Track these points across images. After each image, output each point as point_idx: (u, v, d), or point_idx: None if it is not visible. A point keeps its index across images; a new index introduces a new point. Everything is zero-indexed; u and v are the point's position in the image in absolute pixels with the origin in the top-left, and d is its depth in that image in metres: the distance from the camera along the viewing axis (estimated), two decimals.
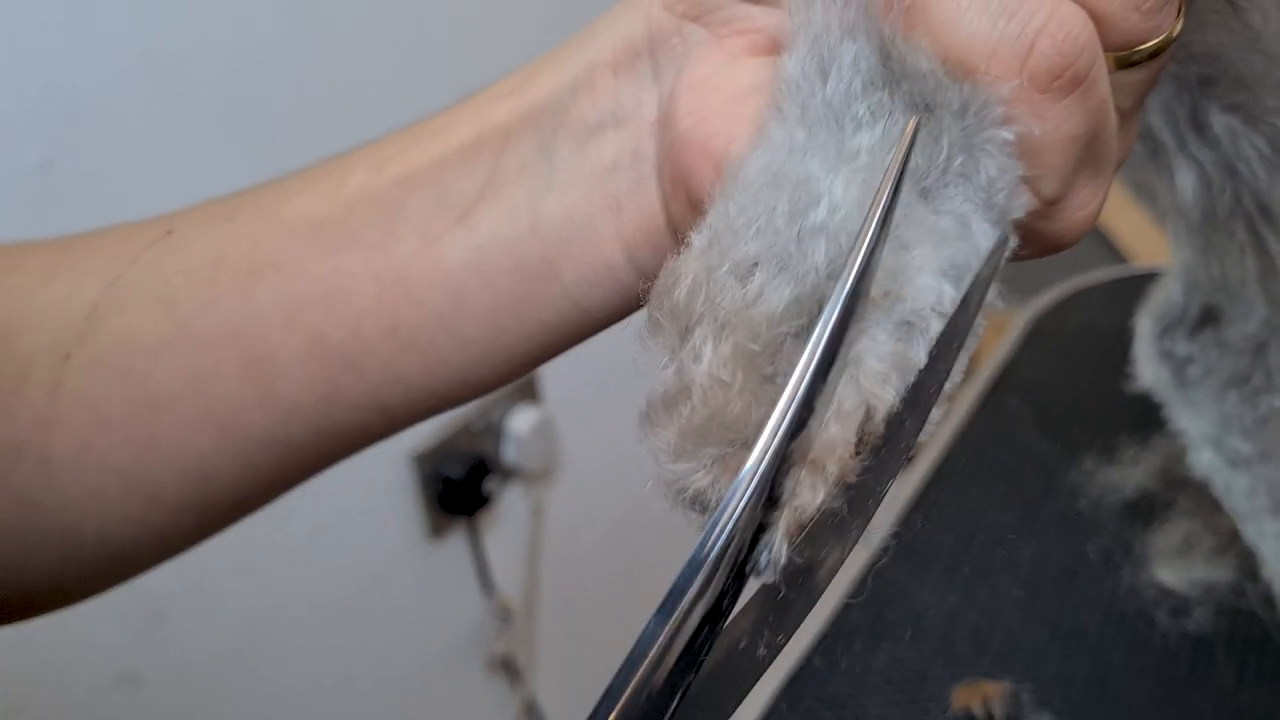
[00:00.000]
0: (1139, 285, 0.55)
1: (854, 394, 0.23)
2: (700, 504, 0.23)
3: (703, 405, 0.23)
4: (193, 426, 0.32)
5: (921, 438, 0.24)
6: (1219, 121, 0.39)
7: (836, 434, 0.23)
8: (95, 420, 0.32)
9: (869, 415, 0.23)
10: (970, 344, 0.25)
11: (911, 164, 0.24)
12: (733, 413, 0.23)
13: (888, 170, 0.23)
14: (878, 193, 0.22)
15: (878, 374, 0.23)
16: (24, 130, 0.74)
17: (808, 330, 0.22)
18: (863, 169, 0.24)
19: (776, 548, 0.22)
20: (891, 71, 0.25)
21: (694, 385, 0.23)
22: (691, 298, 0.24)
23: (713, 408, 0.23)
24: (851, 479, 0.23)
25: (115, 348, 0.32)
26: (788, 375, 0.21)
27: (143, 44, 0.79)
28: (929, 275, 0.24)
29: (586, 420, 1.23)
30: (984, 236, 0.25)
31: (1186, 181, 0.40)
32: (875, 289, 0.23)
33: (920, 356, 0.24)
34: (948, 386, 0.24)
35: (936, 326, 0.24)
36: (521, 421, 1.15)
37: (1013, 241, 0.26)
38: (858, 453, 0.23)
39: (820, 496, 0.22)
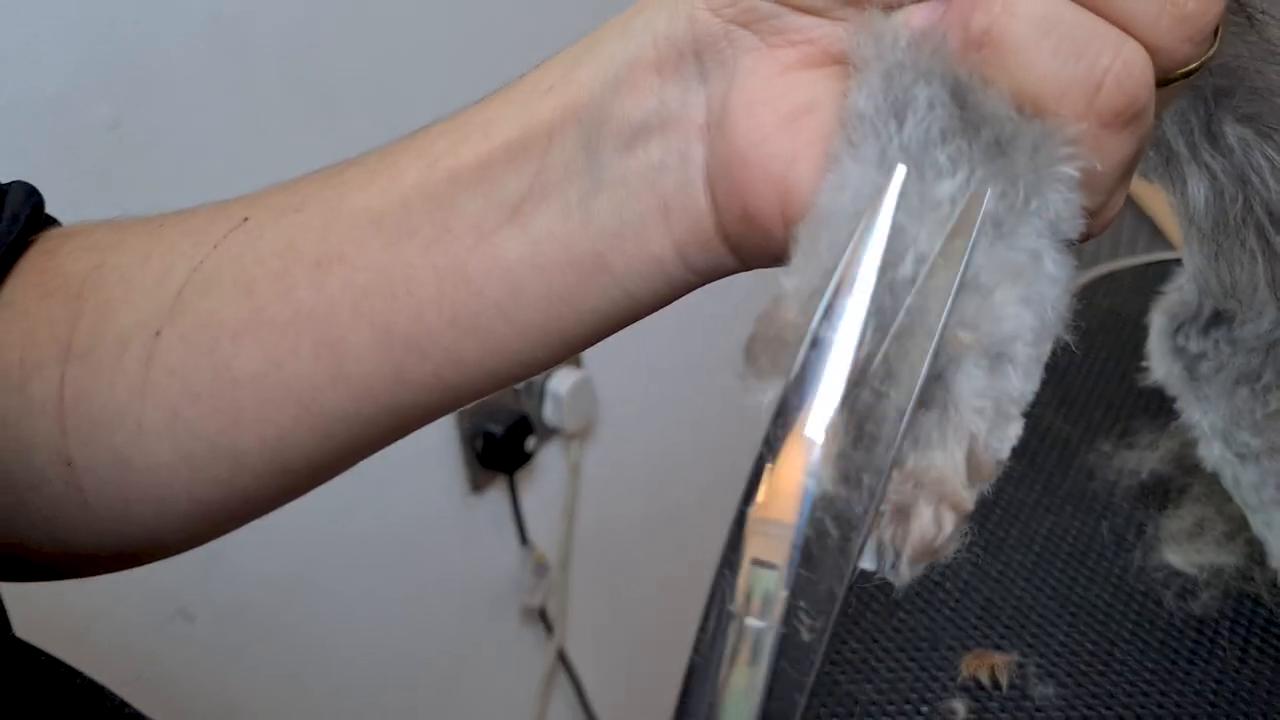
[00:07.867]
0: (1166, 272, 0.54)
1: (956, 430, 0.25)
2: None
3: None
4: (273, 402, 0.33)
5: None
6: (1232, 131, 0.39)
7: (946, 464, 0.24)
8: (184, 392, 0.34)
9: (972, 446, 0.24)
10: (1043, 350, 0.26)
11: (990, 208, 0.25)
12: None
13: (968, 233, 0.24)
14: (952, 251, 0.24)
15: (975, 409, 0.24)
16: (96, 90, 0.75)
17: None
18: (946, 219, 0.25)
19: (901, 572, 0.23)
20: (968, 116, 0.25)
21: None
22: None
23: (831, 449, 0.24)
24: (966, 509, 0.24)
25: (201, 329, 0.34)
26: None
27: (208, 7, 0.80)
28: (1012, 308, 0.25)
29: (623, 384, 1.23)
30: (1053, 264, 0.25)
31: (1198, 189, 0.40)
32: (964, 334, 0.24)
33: (1015, 384, 0.25)
34: (1029, 398, 0.25)
35: (1024, 353, 0.25)
36: (562, 383, 1.15)
37: (1072, 263, 0.26)
38: (969, 484, 0.24)
39: (948, 528, 0.24)
